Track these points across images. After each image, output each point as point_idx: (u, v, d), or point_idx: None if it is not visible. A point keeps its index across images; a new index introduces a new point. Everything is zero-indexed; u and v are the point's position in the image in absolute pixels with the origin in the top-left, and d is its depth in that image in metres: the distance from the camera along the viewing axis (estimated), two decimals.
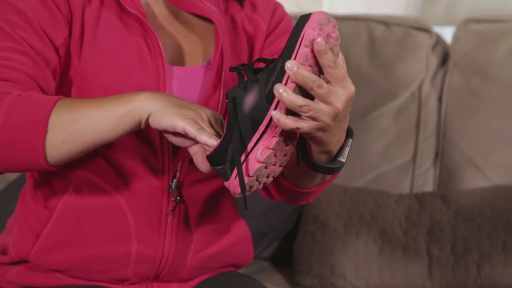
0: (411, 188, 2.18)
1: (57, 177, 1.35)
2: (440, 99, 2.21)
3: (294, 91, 1.11)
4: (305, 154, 1.22)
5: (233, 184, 1.17)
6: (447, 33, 2.37)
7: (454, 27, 2.40)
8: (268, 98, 1.13)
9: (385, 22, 2.28)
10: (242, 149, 1.15)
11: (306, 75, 1.10)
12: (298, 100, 1.10)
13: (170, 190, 1.35)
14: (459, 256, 1.91)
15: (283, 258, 2.11)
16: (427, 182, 2.19)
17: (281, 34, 1.43)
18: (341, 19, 2.32)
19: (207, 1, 1.37)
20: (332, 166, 1.22)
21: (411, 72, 2.21)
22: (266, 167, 1.16)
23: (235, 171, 1.16)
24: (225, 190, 1.42)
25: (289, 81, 1.11)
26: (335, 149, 1.21)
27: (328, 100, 1.12)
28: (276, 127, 1.13)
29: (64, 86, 1.32)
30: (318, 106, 1.12)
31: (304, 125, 1.13)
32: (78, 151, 1.22)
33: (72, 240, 1.35)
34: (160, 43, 1.31)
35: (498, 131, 2.12)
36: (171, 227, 1.36)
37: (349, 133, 1.23)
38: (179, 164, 1.35)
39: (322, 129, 1.14)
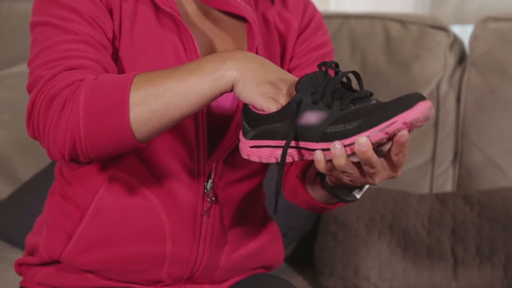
0: (430, 188, 2.16)
1: (89, 176, 1.32)
2: (458, 98, 2.19)
3: (348, 155, 1.09)
4: (322, 176, 1.20)
5: (245, 148, 1.15)
6: (457, 31, 2.35)
7: (464, 25, 2.39)
8: (325, 136, 1.10)
9: (401, 21, 2.26)
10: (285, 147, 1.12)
11: (370, 157, 1.07)
12: (347, 167, 1.09)
13: (205, 191, 1.32)
14: (485, 257, 1.88)
15: (302, 259, 2.09)
16: (446, 182, 2.16)
17: (313, 32, 1.41)
18: (356, 18, 2.29)
19: None
20: (344, 198, 1.20)
21: (429, 71, 2.19)
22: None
23: (251, 142, 1.14)
24: (258, 191, 1.41)
25: (349, 147, 1.08)
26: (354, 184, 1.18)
27: (372, 177, 1.11)
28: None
29: None
30: (360, 178, 1.11)
31: (332, 177, 1.14)
32: (166, 125, 1.17)
33: (105, 240, 1.32)
34: (195, 41, 1.29)
35: None
36: (206, 228, 1.33)
37: None
38: (214, 165, 1.32)
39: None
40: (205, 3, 1.35)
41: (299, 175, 1.29)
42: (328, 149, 1.09)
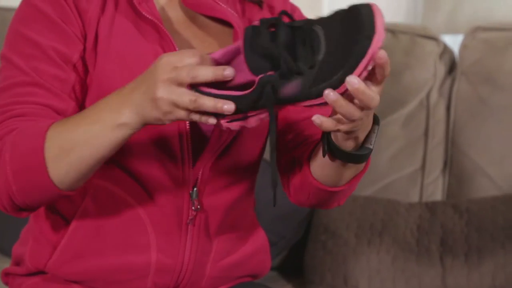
0: (420, 196, 2.17)
1: None
2: (448, 107, 2.20)
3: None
4: (330, 143, 1.20)
5: (223, 124, 1.14)
6: (449, 41, 2.36)
7: (456, 35, 2.40)
8: (313, 95, 1.09)
9: (392, 30, 2.27)
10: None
11: (367, 93, 1.07)
12: (355, 112, 1.09)
13: (191, 199, 1.32)
14: (474, 265, 1.89)
15: (292, 268, 2.09)
16: (436, 191, 2.17)
17: None
18: None
19: (225, 3, 1.35)
20: (359, 153, 1.20)
21: (419, 80, 2.20)
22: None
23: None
24: (246, 198, 1.41)
25: (341, 87, 1.08)
26: (362, 135, 1.19)
27: (372, 106, 1.10)
28: None
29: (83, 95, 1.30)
30: (362, 114, 1.10)
31: (343, 127, 1.12)
32: (88, 172, 1.21)
33: (90, 250, 1.32)
34: (177, 48, 1.29)
35: (508, 139, 2.10)
36: (191, 236, 1.34)
37: (376, 120, 1.21)
38: (200, 172, 1.32)
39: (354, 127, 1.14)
40: (191, 9, 1.35)
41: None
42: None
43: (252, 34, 1.11)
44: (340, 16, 1.10)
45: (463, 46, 2.22)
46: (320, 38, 1.10)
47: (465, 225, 1.95)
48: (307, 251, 1.99)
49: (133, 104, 1.15)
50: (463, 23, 2.56)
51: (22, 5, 1.31)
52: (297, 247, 2.08)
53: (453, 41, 2.39)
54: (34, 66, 1.26)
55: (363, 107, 1.10)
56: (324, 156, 1.21)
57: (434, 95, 2.20)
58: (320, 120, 1.11)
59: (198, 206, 1.33)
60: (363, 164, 1.26)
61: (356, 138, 1.18)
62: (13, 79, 1.26)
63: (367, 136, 1.20)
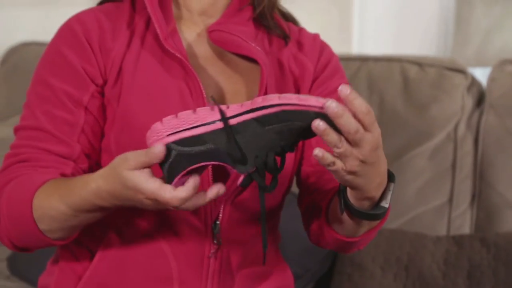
0: (447, 230, 2.15)
1: (97, 220, 1.34)
2: (476, 140, 2.19)
3: None
4: (346, 202, 1.21)
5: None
6: (478, 74, 2.36)
7: (486, 68, 2.39)
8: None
9: (419, 63, 2.27)
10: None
11: (345, 116, 1.08)
12: (333, 135, 1.09)
13: (213, 233, 1.33)
14: None
15: None
16: (464, 224, 2.16)
17: (329, 76, 1.42)
18: (374, 60, 2.31)
19: (252, 41, 1.36)
20: (375, 212, 1.20)
21: (447, 113, 2.20)
22: None
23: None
24: (269, 234, 1.41)
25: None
26: (376, 194, 1.19)
27: (353, 132, 1.09)
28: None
29: (107, 128, 1.32)
30: (349, 148, 1.10)
31: (344, 166, 1.12)
32: (78, 230, 1.28)
33: (113, 282, 1.33)
34: (201, 84, 1.31)
35: None
36: (213, 270, 1.34)
37: (391, 178, 1.21)
38: (222, 206, 1.33)
39: (353, 173, 1.13)
40: (218, 46, 1.37)
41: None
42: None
43: None
44: None
45: (491, 79, 2.21)
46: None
47: (492, 259, 1.93)
48: (332, 283, 1.99)
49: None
50: (493, 56, 2.56)
51: (48, 46, 1.35)
52: (323, 280, 2.07)
53: (483, 74, 2.39)
54: (46, 109, 1.32)
55: (348, 138, 1.09)
56: (341, 213, 1.23)
57: (462, 128, 2.19)
58: (322, 153, 1.10)
59: (220, 240, 1.33)
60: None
61: (370, 198, 1.18)
62: (27, 121, 1.32)
63: (383, 194, 1.20)
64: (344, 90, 1.07)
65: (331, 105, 1.07)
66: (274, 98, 1.12)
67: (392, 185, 1.20)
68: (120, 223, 1.33)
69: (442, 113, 2.20)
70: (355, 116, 1.08)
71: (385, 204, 1.20)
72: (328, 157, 1.11)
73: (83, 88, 1.32)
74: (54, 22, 1.38)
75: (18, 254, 2.08)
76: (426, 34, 2.70)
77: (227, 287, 1.36)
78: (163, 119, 1.15)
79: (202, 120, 1.14)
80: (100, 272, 1.33)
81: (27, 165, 1.30)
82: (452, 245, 1.98)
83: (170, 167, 1.14)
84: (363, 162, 1.11)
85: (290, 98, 1.11)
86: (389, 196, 1.20)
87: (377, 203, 1.20)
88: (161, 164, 1.15)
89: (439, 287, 1.91)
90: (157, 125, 1.15)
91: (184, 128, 1.14)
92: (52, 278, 1.38)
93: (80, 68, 1.32)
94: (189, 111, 1.15)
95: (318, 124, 1.08)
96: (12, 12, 2.66)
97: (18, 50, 2.51)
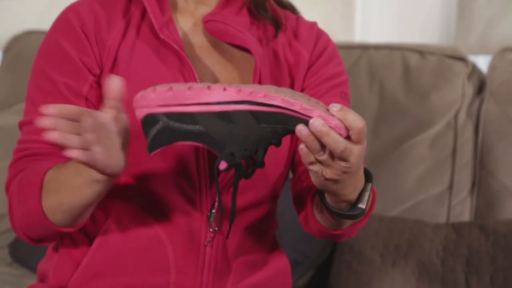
0: (447, 217, 2.16)
1: (98, 207, 1.35)
2: (476, 128, 2.20)
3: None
4: (324, 202, 1.22)
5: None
6: (481, 62, 2.35)
7: (488, 56, 2.39)
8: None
9: (420, 51, 2.27)
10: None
11: (331, 135, 1.08)
12: (314, 142, 1.09)
13: (209, 221, 1.34)
14: (499, 287, 1.88)
15: None
16: (464, 212, 2.16)
17: (325, 63, 1.42)
18: (375, 48, 2.31)
19: (247, 31, 1.37)
20: (352, 213, 1.20)
21: (447, 101, 2.20)
22: None
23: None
24: (266, 220, 1.42)
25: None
26: (352, 197, 1.20)
27: (338, 150, 1.09)
28: None
29: None
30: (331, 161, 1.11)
31: (322, 170, 1.13)
32: (83, 218, 1.27)
33: (111, 270, 1.34)
34: (196, 74, 1.31)
35: None
36: (209, 258, 1.35)
37: (368, 178, 1.21)
38: (217, 195, 1.34)
39: (334, 181, 1.13)
40: (213, 36, 1.38)
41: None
42: None
43: None
44: None
45: (492, 67, 2.21)
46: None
47: (491, 246, 1.94)
48: (332, 271, 2.00)
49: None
50: (496, 44, 2.56)
51: (45, 36, 1.36)
52: (323, 267, 2.08)
53: (485, 62, 2.39)
54: (48, 103, 1.30)
55: (335, 155, 1.09)
56: (320, 212, 1.25)
57: (462, 116, 2.20)
58: (307, 149, 1.10)
59: (216, 228, 1.34)
60: None
61: (347, 201, 1.19)
62: (31, 115, 1.33)
63: (360, 195, 1.20)
64: (334, 108, 1.08)
65: (314, 123, 1.07)
66: (277, 98, 1.10)
67: (369, 185, 1.20)
68: (118, 212, 1.34)
69: (443, 101, 2.20)
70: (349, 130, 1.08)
71: (362, 205, 1.20)
72: (312, 156, 1.11)
73: (82, 79, 1.33)
74: (58, 10, 1.38)
75: (20, 241, 2.09)
76: (429, 22, 2.69)
77: (223, 274, 1.37)
78: (157, 87, 1.13)
79: (197, 99, 1.12)
80: (97, 259, 1.35)
81: (34, 159, 1.32)
82: (451, 232, 1.99)
83: (154, 137, 1.14)
84: (345, 172, 1.12)
85: (294, 104, 1.09)
86: (366, 197, 1.20)
87: (354, 204, 1.21)
88: (145, 131, 1.15)
89: (438, 274, 1.92)
90: (149, 93, 1.13)
91: (177, 103, 1.13)
92: (51, 264, 1.40)
93: (78, 59, 1.33)
94: (185, 87, 1.12)
95: (301, 129, 1.08)
96: (15, 0, 2.67)
97: (22, 38, 2.52)
